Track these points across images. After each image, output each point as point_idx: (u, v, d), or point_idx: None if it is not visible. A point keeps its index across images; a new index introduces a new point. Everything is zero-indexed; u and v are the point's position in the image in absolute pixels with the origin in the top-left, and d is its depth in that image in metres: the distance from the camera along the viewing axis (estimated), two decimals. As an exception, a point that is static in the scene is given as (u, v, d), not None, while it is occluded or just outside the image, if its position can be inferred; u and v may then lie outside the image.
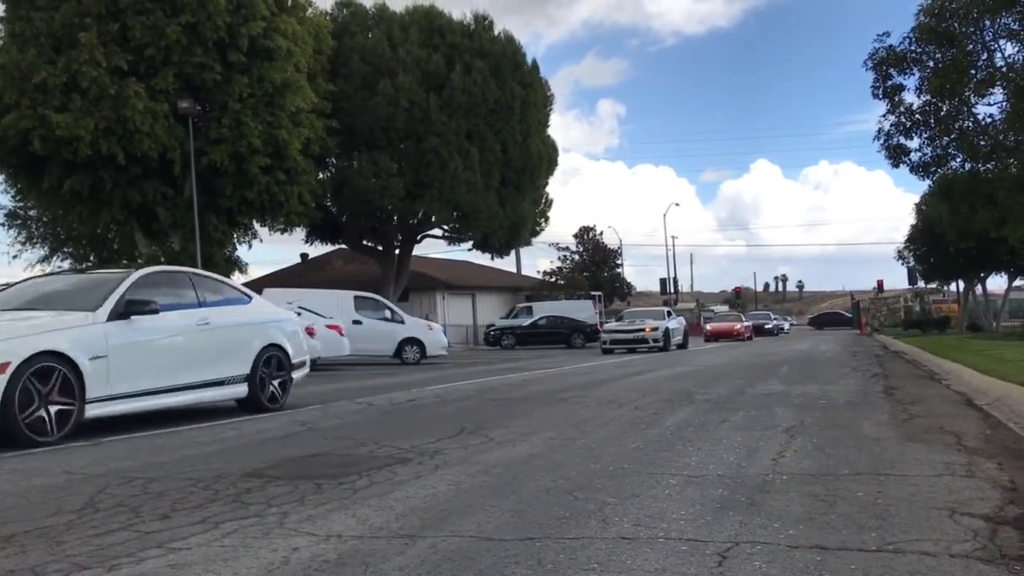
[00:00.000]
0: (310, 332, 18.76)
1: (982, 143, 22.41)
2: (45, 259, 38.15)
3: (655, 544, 3.60)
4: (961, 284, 55.65)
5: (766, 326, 52.91)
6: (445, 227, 36.89)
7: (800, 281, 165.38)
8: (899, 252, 52.11)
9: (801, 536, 3.68)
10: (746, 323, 43.63)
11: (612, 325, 30.00)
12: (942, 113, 22.30)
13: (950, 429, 6.93)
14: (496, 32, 34.86)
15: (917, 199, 50.94)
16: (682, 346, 29.87)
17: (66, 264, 38.44)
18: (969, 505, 4.18)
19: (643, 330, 27.31)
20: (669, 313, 31.26)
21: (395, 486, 5.00)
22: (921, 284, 56.88)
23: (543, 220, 39.24)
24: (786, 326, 66.28)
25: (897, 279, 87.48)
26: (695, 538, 3.68)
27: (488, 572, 3.26)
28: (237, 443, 7.19)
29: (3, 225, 36.81)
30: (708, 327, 43.12)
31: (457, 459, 5.93)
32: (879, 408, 8.79)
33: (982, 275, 50.13)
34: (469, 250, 40.08)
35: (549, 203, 39.39)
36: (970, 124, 22.44)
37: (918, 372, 14.77)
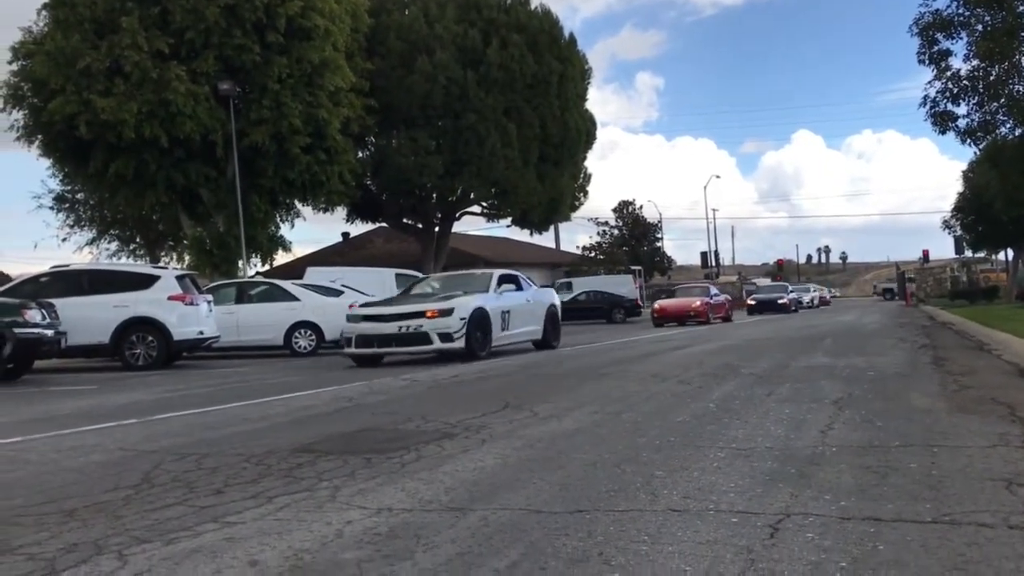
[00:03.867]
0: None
1: (1033, 108, 21.82)
2: (93, 242, 38.94)
3: (705, 516, 3.59)
4: (1010, 253, 54.53)
5: (779, 301, 41.28)
6: (484, 204, 36.93)
7: (844, 252, 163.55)
8: (945, 221, 51.28)
9: (853, 508, 3.64)
10: (714, 298, 31.74)
11: (365, 308, 14.91)
12: (991, 78, 21.71)
13: (1003, 400, 6.80)
14: (533, 6, 34.64)
15: (964, 167, 50.02)
16: (543, 344, 16.41)
17: (113, 246, 39.19)
18: (1026, 476, 4.11)
19: (421, 315, 13.72)
20: (504, 280, 15.87)
21: (443, 460, 5.04)
22: (968, 253, 55.87)
23: (582, 195, 39.13)
24: (807, 299, 52.42)
25: (943, 249, 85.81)
26: (746, 510, 3.66)
27: (540, 543, 3.27)
28: (286, 419, 7.29)
29: (52, 209, 37.58)
30: (656, 305, 31.25)
31: (503, 434, 5.96)
32: (928, 379, 8.66)
33: (1033, 243, 49.05)
34: (508, 226, 40.17)
35: (588, 178, 39.24)
36: (1021, 88, 21.84)
37: (967, 343, 14.51)
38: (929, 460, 4.57)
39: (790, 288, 48.80)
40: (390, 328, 13.68)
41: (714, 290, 33.72)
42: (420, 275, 26.59)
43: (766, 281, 64.70)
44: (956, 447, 4.91)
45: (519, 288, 16.17)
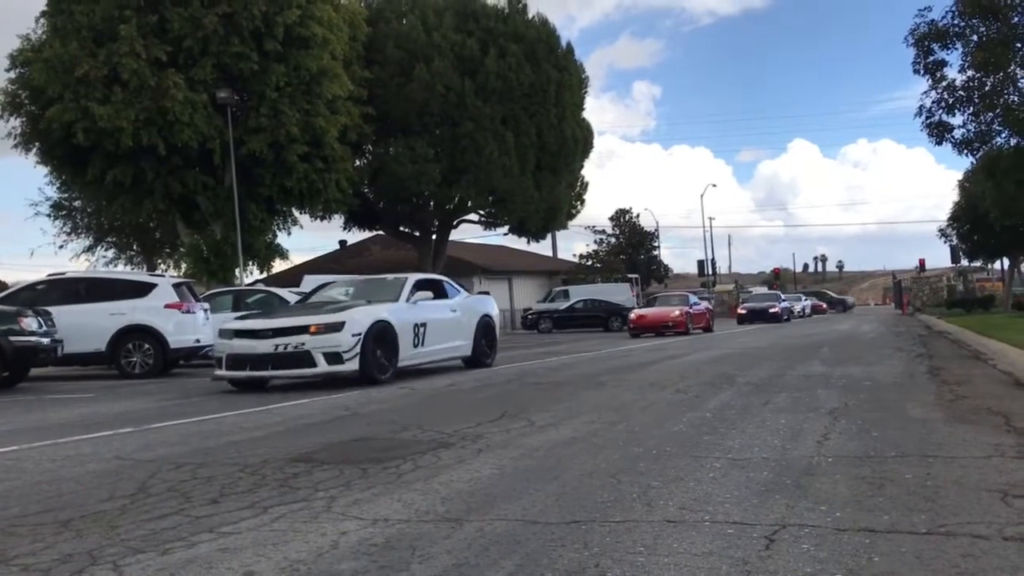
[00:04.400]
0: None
1: (1028, 118, 21.87)
2: (89, 249, 38.90)
3: (701, 527, 3.59)
4: (1006, 262, 54.68)
5: (770, 310, 40.05)
6: (481, 212, 36.92)
7: (840, 261, 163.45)
8: (941, 230, 51.35)
9: (849, 519, 3.65)
10: (693, 307, 29.72)
11: (240, 321, 12.44)
12: (986, 88, 21.79)
13: (998, 410, 6.82)
14: (530, 15, 34.71)
15: (960, 176, 50.13)
16: (474, 361, 14.12)
17: (110, 254, 39.20)
18: (1021, 487, 4.11)
19: (304, 330, 11.16)
20: (421, 287, 13.34)
21: (439, 470, 5.04)
22: (964, 263, 55.96)
23: (579, 203, 39.09)
24: (798, 308, 50.51)
25: (939, 258, 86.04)
26: (742, 521, 3.66)
27: (536, 555, 3.28)
28: (282, 428, 7.29)
29: (49, 216, 37.54)
30: (632, 315, 29.87)
31: (499, 443, 5.96)
32: (924, 389, 8.68)
33: (1029, 253, 49.20)
34: (505, 234, 40.11)
35: (585, 186, 39.22)
36: (1016, 99, 21.90)
37: (963, 352, 14.53)
38: (924, 471, 4.58)
39: (782, 297, 47.25)
40: (265, 347, 11.13)
41: (694, 298, 31.94)
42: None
43: (763, 289, 64.38)
44: (951, 458, 4.92)
45: (442, 295, 13.89)
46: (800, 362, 12.95)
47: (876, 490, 4.17)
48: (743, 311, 40.59)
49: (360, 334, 11.18)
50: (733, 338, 23.69)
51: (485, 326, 14.49)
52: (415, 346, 12.49)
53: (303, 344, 11.03)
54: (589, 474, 4.78)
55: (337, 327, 11.13)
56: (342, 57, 27.38)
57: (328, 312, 11.70)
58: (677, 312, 28.34)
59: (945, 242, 51.73)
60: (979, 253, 51.02)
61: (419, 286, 13.27)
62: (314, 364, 11.06)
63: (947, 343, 17.58)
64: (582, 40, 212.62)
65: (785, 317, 41.25)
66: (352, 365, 11.11)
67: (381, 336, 11.58)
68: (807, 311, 53.66)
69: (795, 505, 3.92)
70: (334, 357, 11.02)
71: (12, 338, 12.88)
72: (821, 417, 6.76)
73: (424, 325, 12.68)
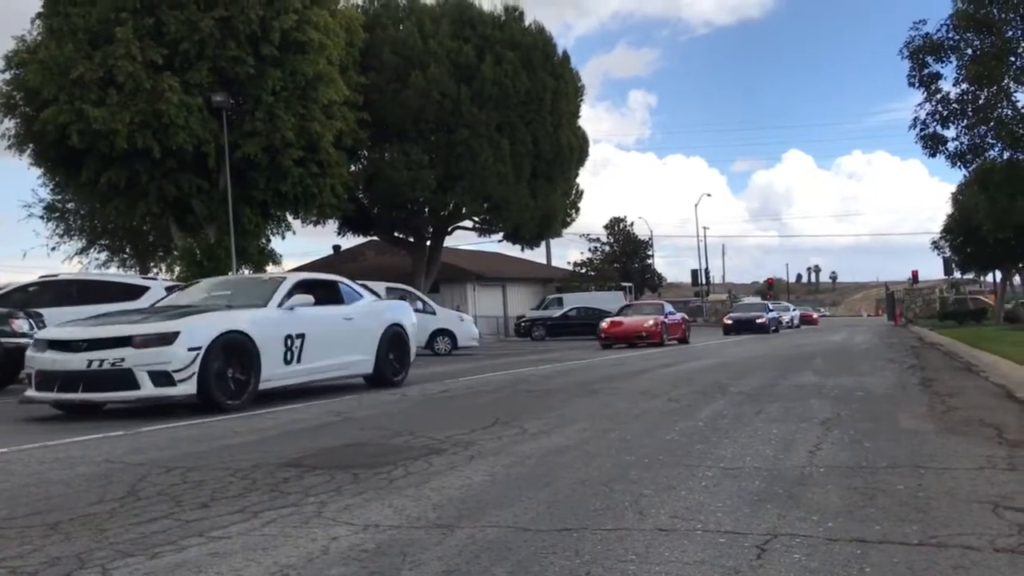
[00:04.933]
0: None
1: (1022, 132, 21.98)
2: (83, 251, 38.88)
3: (693, 536, 3.59)
4: (998, 275, 54.92)
5: (757, 320, 38.92)
6: (476, 219, 36.96)
7: (833, 272, 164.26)
8: (935, 242, 51.59)
9: (840, 529, 3.64)
10: (669, 316, 28.06)
11: (53, 330, 9.87)
12: (980, 101, 21.89)
13: (990, 422, 6.83)
14: (527, 23, 34.82)
15: (953, 188, 50.41)
16: (377, 378, 11.96)
17: (103, 256, 39.14)
18: (1012, 499, 4.12)
19: (125, 342, 8.65)
20: (302, 288, 10.79)
21: (431, 476, 5.02)
22: (957, 275, 56.19)
23: (574, 211, 39.18)
24: (787, 318, 49.58)
25: (932, 270, 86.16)
26: (733, 530, 3.66)
27: (527, 563, 3.26)
28: (274, 433, 7.26)
29: (42, 218, 37.50)
30: (604, 324, 27.64)
31: (491, 450, 5.94)
32: (917, 400, 8.68)
33: (1020, 265, 49.45)
34: (500, 241, 40.17)
35: (580, 194, 39.32)
36: (1009, 112, 21.98)
37: (955, 364, 14.56)
38: (916, 482, 4.57)
39: (771, 306, 45.77)
40: (78, 362, 8.71)
41: (669, 308, 30.13)
42: (409, 288, 26.11)
43: (756, 299, 64.36)
44: (943, 469, 4.92)
45: (336, 300, 11.61)
46: (793, 372, 12.96)
47: (868, 500, 4.17)
48: (729, 321, 39.66)
49: (199, 348, 8.77)
50: (720, 349, 23.69)
51: (393, 337, 12.19)
52: (287, 362, 10.10)
53: (122, 360, 8.63)
54: (581, 482, 4.77)
55: (168, 339, 8.70)
56: (338, 62, 27.40)
57: (162, 319, 9.16)
58: (651, 322, 26.76)
59: (938, 254, 52.07)
60: (972, 265, 51.26)
61: (300, 288, 10.83)
62: (136, 385, 8.64)
63: (939, 355, 17.61)
64: (578, 49, 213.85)
65: (773, 328, 40.47)
66: (187, 387, 8.74)
67: (233, 350, 9.22)
68: (795, 322, 53.54)
69: (787, 515, 3.91)
70: (162, 377, 8.64)
71: (2, 340, 12.82)
72: (813, 427, 6.76)
73: (302, 337, 10.29)
